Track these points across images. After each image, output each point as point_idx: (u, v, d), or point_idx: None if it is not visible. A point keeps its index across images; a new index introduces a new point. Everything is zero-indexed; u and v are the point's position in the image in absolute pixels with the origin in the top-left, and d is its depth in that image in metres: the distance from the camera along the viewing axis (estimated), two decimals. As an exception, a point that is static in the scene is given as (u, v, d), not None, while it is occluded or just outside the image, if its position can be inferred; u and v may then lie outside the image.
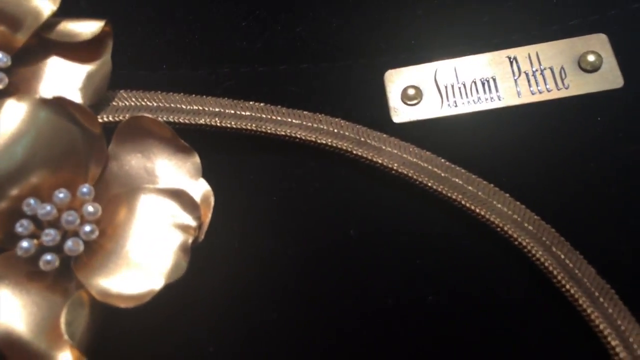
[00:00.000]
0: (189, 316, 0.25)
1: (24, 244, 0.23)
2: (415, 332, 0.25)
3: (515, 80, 0.30)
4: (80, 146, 0.25)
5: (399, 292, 0.26)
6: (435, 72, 0.31)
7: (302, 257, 0.27)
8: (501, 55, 0.30)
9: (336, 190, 0.28)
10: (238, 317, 0.25)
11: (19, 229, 0.23)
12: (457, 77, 0.30)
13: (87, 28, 0.26)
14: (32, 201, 0.23)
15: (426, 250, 0.27)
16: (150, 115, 0.26)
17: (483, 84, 0.30)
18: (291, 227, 0.28)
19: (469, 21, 0.32)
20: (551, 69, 0.30)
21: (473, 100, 0.30)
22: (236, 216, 0.27)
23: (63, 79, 0.26)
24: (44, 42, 0.26)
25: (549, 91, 0.29)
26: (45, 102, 0.24)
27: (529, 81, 0.30)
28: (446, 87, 0.30)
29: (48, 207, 0.23)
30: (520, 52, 0.30)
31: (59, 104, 0.24)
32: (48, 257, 0.23)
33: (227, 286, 0.26)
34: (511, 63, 0.30)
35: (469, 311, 0.25)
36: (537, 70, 0.30)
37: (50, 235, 0.23)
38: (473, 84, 0.30)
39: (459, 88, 0.30)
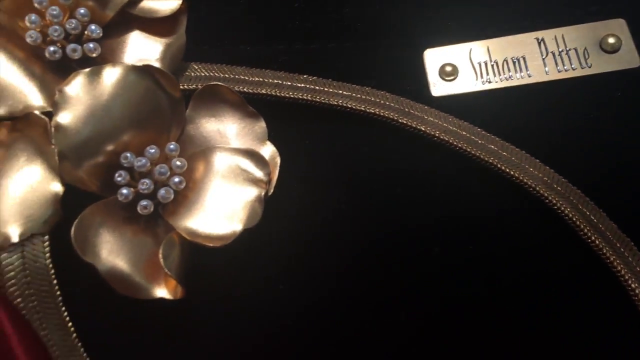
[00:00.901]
0: (262, 258, 0.28)
1: (124, 190, 0.26)
2: (456, 276, 0.29)
3: (543, 60, 0.33)
4: (164, 109, 0.28)
5: (443, 241, 0.30)
6: (470, 51, 0.34)
7: (355, 210, 0.30)
8: (530, 36, 0.34)
9: (383, 155, 0.32)
10: (304, 261, 0.29)
11: (117, 178, 0.26)
12: (490, 56, 0.34)
13: (165, 5, 0.29)
14: (129, 155, 0.26)
15: (464, 206, 0.31)
16: (224, 84, 0.29)
17: (514, 63, 0.33)
18: (343, 186, 0.31)
19: (500, 6, 0.35)
20: (575, 49, 0.33)
21: (505, 77, 0.33)
22: (296, 175, 0.31)
23: (144, 50, 0.29)
24: (128, 17, 0.29)
25: (573, 69, 0.33)
26: (136, 69, 0.27)
27: (555, 60, 0.33)
28: (480, 64, 0.34)
29: (143, 160, 0.26)
30: (548, 34, 0.34)
31: (147, 71, 0.27)
32: (144, 202, 0.26)
33: (291, 234, 0.29)
34: (539, 44, 0.34)
35: (506, 257, 0.29)
36: (562, 50, 0.33)
37: (145, 184, 0.26)
38: (505, 62, 0.33)
39: (492, 66, 0.33)
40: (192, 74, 0.31)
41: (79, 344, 0.25)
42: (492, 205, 0.31)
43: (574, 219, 0.28)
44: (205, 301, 0.27)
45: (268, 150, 0.29)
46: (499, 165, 0.30)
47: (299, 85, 0.32)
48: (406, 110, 0.32)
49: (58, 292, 0.25)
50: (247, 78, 0.32)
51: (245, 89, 0.31)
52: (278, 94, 0.32)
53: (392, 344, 0.28)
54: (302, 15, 0.35)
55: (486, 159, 0.30)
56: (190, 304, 0.27)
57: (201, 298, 0.27)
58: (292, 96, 0.32)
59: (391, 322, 0.28)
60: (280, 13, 0.35)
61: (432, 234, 0.30)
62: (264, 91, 0.32)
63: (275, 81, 0.32)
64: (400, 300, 0.29)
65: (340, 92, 0.32)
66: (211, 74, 0.31)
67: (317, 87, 0.32)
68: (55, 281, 0.25)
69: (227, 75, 0.32)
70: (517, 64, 0.33)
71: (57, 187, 0.25)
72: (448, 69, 0.33)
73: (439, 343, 0.28)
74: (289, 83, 0.32)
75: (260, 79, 0.32)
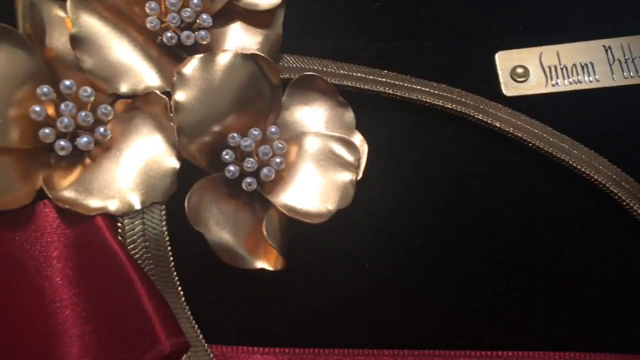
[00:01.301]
0: (350, 238, 0.30)
1: (232, 167, 0.28)
2: (527, 268, 0.31)
3: (610, 66, 0.35)
4: (265, 95, 0.30)
5: (516, 232, 0.32)
6: (540, 55, 0.36)
7: (434, 199, 0.32)
8: (598, 44, 0.36)
9: (459, 149, 0.34)
10: (387, 241, 0.31)
11: (225, 156, 0.28)
12: (559, 60, 0.36)
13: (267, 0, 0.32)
14: (235, 135, 0.29)
15: (534, 200, 0.33)
16: (317, 74, 0.31)
17: (582, 67, 0.35)
18: (421, 175, 0.33)
19: (568, 14, 0.37)
20: (640, 58, 0.35)
21: (574, 81, 0.35)
22: (378, 163, 0.33)
23: (244, 40, 0.32)
24: (231, 9, 0.32)
25: (639, 76, 0.35)
26: (244, 56, 0.29)
27: (622, 67, 0.35)
28: (550, 68, 0.36)
29: (249, 141, 0.29)
30: (614, 42, 0.36)
31: (254, 58, 0.29)
32: (249, 179, 0.28)
33: (376, 218, 0.31)
34: (606, 51, 0.36)
35: (576, 249, 0.31)
36: (628, 58, 0.35)
37: (251, 163, 0.28)
38: (574, 67, 0.35)
39: (562, 70, 0.35)
40: (285, 64, 0.33)
41: (186, 306, 0.27)
42: (563, 201, 0.33)
43: (643, 215, 0.30)
44: (297, 274, 0.29)
45: (357, 138, 0.31)
46: (570, 162, 0.32)
47: (381, 79, 0.34)
48: (481, 107, 0.34)
49: (171, 257, 0.27)
50: (334, 70, 0.34)
51: (332, 81, 0.34)
52: (362, 87, 0.34)
53: (468, 319, 0.30)
54: (383, 15, 0.37)
55: (558, 155, 0.32)
56: (284, 275, 0.29)
57: (292, 271, 0.29)
58: (375, 89, 0.34)
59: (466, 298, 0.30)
60: (361, 11, 0.37)
61: (505, 225, 0.32)
62: (349, 83, 0.34)
63: (360, 75, 0.34)
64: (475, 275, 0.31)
65: (419, 87, 0.34)
66: (302, 65, 0.34)
67: (397, 82, 0.34)
68: (169, 247, 0.27)
69: (316, 67, 0.34)
70: (585, 69, 0.35)
71: (174, 161, 0.27)
72: (519, 70, 0.35)
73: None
74: (372, 77, 0.34)
75: (346, 72, 0.34)
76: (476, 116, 0.34)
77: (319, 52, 0.35)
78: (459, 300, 0.30)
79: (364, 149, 0.31)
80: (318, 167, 0.30)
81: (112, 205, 0.26)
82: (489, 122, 0.34)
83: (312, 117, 0.32)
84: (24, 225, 0.24)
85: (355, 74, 0.34)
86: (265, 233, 0.27)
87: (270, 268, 0.28)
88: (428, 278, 0.31)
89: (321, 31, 0.36)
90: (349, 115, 0.32)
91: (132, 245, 0.26)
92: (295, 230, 0.29)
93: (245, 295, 0.29)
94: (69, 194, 0.26)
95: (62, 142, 0.26)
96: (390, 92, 0.34)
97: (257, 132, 0.29)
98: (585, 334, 0.30)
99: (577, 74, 0.35)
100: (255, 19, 0.32)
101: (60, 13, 0.28)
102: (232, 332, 0.29)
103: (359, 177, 0.30)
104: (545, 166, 0.33)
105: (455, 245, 0.32)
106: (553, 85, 0.35)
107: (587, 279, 0.31)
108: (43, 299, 0.23)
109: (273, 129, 0.30)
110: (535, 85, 0.35)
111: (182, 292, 0.27)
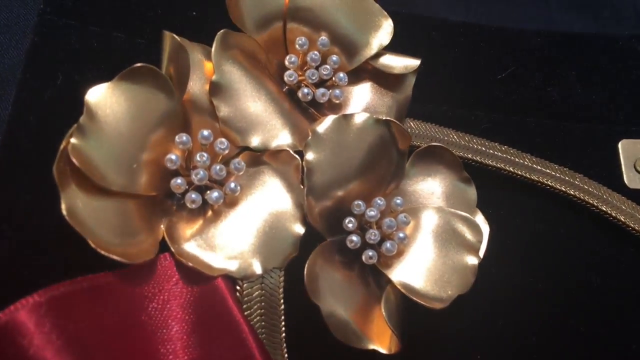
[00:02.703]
0: (459, 324, 0.29)
1: (354, 237, 0.27)
2: None
3: None
4: (392, 161, 0.29)
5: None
6: (668, 149, 0.34)
7: (551, 291, 0.30)
8: None
9: (580, 239, 0.32)
10: (500, 332, 0.29)
11: (348, 225, 0.27)
12: (689, 157, 0.34)
13: (402, 63, 0.30)
14: (361, 203, 0.27)
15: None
16: (445, 146, 0.30)
17: None
18: (538, 264, 0.31)
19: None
20: None
21: (703, 180, 0.33)
22: (492, 243, 0.31)
23: (374, 101, 0.30)
24: (363, 69, 0.30)
25: None
26: (378, 120, 0.28)
27: None
28: (678, 163, 0.34)
29: (375, 211, 0.27)
30: None
31: (387, 123, 0.28)
32: (370, 252, 0.27)
33: (487, 304, 0.30)
34: None
35: None
36: None
37: (374, 235, 0.27)
38: (703, 165, 0.33)
39: (691, 167, 0.33)
40: (408, 129, 0.32)
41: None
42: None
43: None
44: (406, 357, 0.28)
45: (479, 217, 0.30)
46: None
47: (501, 155, 0.33)
48: (605, 197, 0.32)
49: (283, 328, 0.26)
50: (455, 140, 0.33)
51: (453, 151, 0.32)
52: (482, 161, 0.32)
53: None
54: (507, 87, 0.35)
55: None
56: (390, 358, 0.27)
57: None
58: (495, 165, 0.32)
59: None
60: (483, 81, 0.36)
61: (619, 320, 0.30)
62: (469, 155, 0.32)
63: (481, 148, 0.33)
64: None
65: (540, 168, 0.33)
66: (424, 132, 0.32)
67: (517, 160, 0.33)
68: (282, 316, 0.26)
69: (438, 135, 0.32)
70: None
71: (299, 226, 0.26)
72: (645, 162, 0.34)
73: None
74: (492, 152, 0.33)
75: (467, 144, 0.33)
76: (600, 207, 0.32)
77: (438, 119, 0.33)
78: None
79: (485, 230, 0.30)
80: (438, 246, 0.29)
81: (234, 267, 0.25)
82: (613, 215, 0.32)
83: (433, 189, 0.30)
84: (144, 279, 0.23)
85: (475, 146, 0.33)
86: (384, 314, 0.26)
87: (384, 351, 0.26)
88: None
89: (442, 98, 0.35)
90: (472, 192, 0.30)
91: (247, 312, 0.25)
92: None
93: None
94: (191, 248, 0.25)
95: (193, 195, 0.25)
96: (511, 169, 0.32)
97: (381, 202, 0.28)
98: None
99: None
100: (386, 80, 0.31)
101: (201, 57, 0.27)
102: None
103: (479, 261, 0.29)
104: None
105: (568, 343, 0.30)
106: (680, 183, 0.33)
107: None
108: (158, 363, 0.22)
109: (398, 201, 0.28)
110: (661, 180, 0.33)
111: (288, 365, 0.26)
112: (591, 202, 0.32)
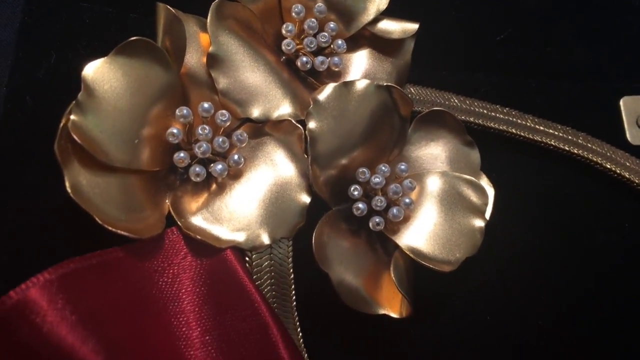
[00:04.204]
0: (468, 286, 0.29)
1: (360, 205, 0.27)
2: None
3: None
4: (394, 127, 0.29)
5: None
6: (670, 103, 0.34)
7: (558, 250, 0.30)
8: None
9: (585, 197, 0.32)
10: (508, 290, 0.29)
11: (353, 192, 0.27)
12: (691, 111, 0.34)
13: (400, 27, 0.30)
14: (365, 170, 0.27)
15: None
16: (448, 110, 0.30)
17: None
18: (544, 223, 0.31)
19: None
20: None
21: None
22: (497, 205, 0.31)
23: (373, 68, 0.30)
24: (362, 35, 0.30)
25: None
26: (379, 86, 0.28)
27: None
28: (680, 118, 0.33)
29: (380, 178, 0.27)
30: None
31: (388, 89, 0.28)
32: (377, 219, 0.27)
33: (495, 265, 0.30)
34: None
35: None
36: None
37: (380, 202, 0.27)
38: None
39: (694, 121, 0.33)
40: (408, 95, 0.32)
41: (304, 349, 0.26)
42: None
43: None
44: (413, 322, 0.28)
45: (483, 180, 0.30)
46: None
47: (504, 117, 0.33)
48: (608, 154, 0.32)
49: (294, 297, 0.26)
50: (456, 104, 0.32)
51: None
52: (484, 124, 0.32)
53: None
54: (506, 49, 0.35)
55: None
56: (401, 322, 0.27)
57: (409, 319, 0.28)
58: (497, 127, 0.32)
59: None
60: (482, 43, 0.35)
61: (626, 278, 0.30)
62: (471, 119, 0.32)
63: (482, 111, 0.32)
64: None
65: (542, 128, 0.33)
66: (424, 97, 0.32)
67: (520, 121, 0.33)
68: (293, 285, 0.26)
69: (439, 100, 0.32)
70: None
71: (305, 195, 0.26)
72: (647, 118, 0.33)
73: None
74: (494, 114, 0.33)
75: (469, 107, 0.32)
76: (604, 165, 0.32)
77: (438, 84, 0.33)
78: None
79: (490, 192, 0.30)
80: (444, 210, 0.28)
81: (242, 238, 0.25)
82: (617, 172, 0.32)
83: (436, 154, 0.30)
84: (153, 254, 0.23)
85: (477, 109, 0.32)
86: (394, 279, 0.26)
87: (395, 315, 0.26)
88: (548, 334, 0.29)
89: (441, 62, 0.35)
90: (475, 155, 0.30)
91: (258, 282, 0.25)
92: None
93: (362, 340, 0.27)
94: (197, 222, 0.24)
95: (197, 169, 0.24)
96: (513, 131, 0.32)
97: (386, 169, 0.27)
98: None
99: None
100: (385, 46, 0.30)
101: (196, 29, 0.26)
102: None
103: (486, 223, 0.29)
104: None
105: (575, 301, 0.30)
106: (683, 137, 0.33)
107: None
108: (170, 336, 0.22)
109: (402, 167, 0.28)
110: (664, 135, 0.33)
111: (300, 334, 0.26)
112: (595, 160, 0.32)
